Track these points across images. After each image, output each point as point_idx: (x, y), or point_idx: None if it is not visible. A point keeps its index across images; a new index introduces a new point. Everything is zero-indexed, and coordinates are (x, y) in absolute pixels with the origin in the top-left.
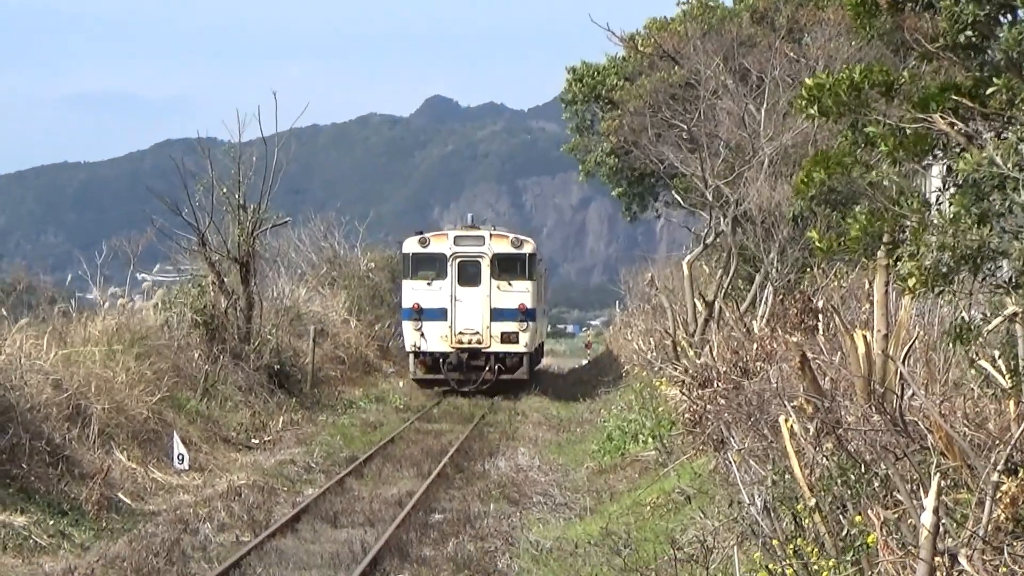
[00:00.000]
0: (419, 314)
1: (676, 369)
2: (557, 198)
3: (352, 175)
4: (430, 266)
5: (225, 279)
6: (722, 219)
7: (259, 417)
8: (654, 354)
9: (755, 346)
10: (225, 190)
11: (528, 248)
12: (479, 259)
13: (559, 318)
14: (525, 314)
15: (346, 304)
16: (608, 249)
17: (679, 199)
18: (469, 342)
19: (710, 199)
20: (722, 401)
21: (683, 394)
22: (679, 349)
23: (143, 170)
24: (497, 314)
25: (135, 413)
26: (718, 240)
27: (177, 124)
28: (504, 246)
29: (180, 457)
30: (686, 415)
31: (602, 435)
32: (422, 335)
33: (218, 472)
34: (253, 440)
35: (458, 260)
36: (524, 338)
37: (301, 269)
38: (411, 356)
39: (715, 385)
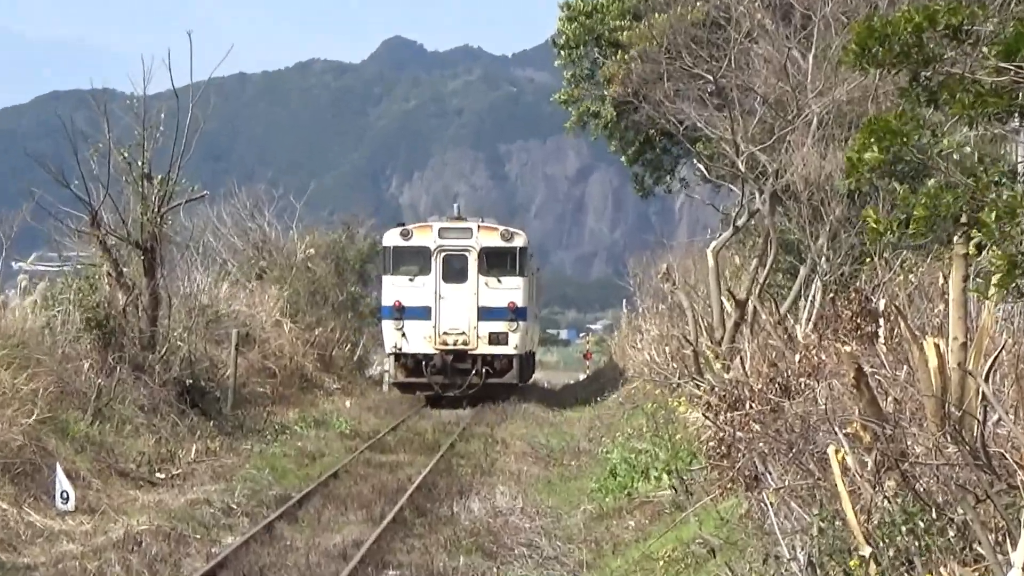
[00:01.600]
0: (400, 313)
1: (698, 386)
2: (549, 167)
3: (288, 137)
4: (413, 260)
5: (124, 269)
6: (757, 195)
7: (166, 445)
8: (670, 367)
9: (798, 357)
10: (126, 155)
11: (519, 241)
12: (466, 253)
13: (551, 320)
14: (515, 313)
15: (279, 303)
16: (613, 233)
17: (703, 170)
18: (455, 343)
19: (742, 170)
20: (756, 427)
21: (707, 418)
22: (702, 361)
23: (21, 129)
24: (485, 313)
25: (6, 439)
26: (752, 222)
27: (66, 72)
28: (493, 239)
29: (64, 496)
30: (710, 444)
31: (603, 470)
32: (403, 335)
33: (113, 515)
34: (158, 474)
35: (443, 254)
36: (514, 339)
37: (221, 257)
38: (391, 358)
39: (747, 407)
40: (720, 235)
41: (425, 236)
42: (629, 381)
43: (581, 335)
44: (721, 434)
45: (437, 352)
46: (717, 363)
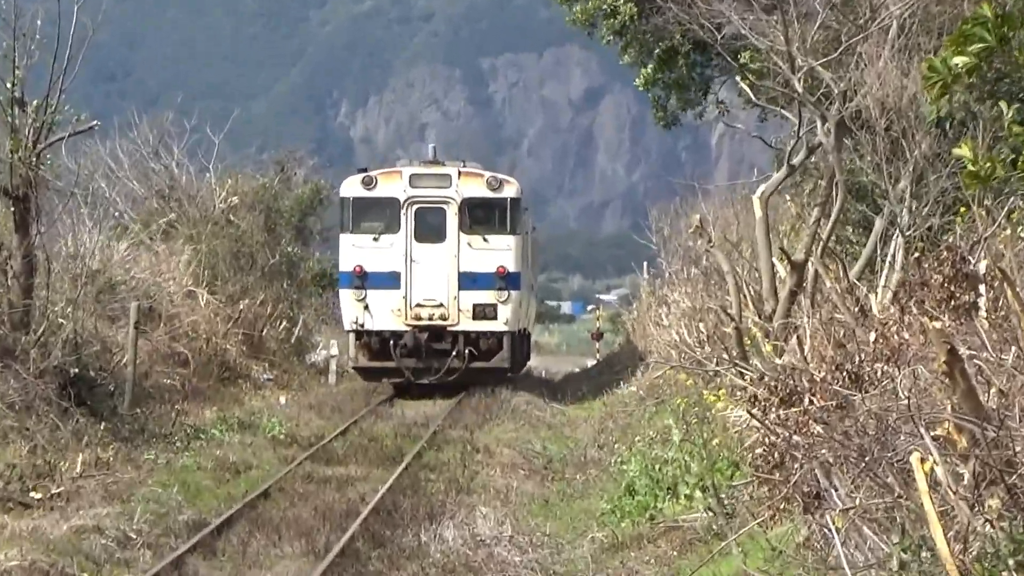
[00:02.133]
0: (362, 280)
1: (742, 375)
2: (547, 90)
3: (203, 52)
4: (377, 215)
5: None
6: (819, 124)
7: (43, 455)
8: (705, 351)
9: (873, 336)
10: None
11: (510, 191)
12: (444, 205)
13: (550, 290)
14: (506, 280)
15: (191, 268)
16: (631, 175)
17: (747, 91)
18: (430, 318)
19: (799, 91)
20: (818, 429)
21: (753, 417)
22: (747, 342)
23: None
24: (468, 280)
25: None
26: (812, 160)
27: None
28: (477, 188)
29: None
30: (758, 452)
31: (618, 486)
32: (366, 309)
33: None
34: (33, 493)
35: (415, 207)
36: (504, 312)
37: (117, 209)
38: (351, 337)
39: (807, 401)
40: (771, 177)
41: (393, 185)
42: (651, 369)
43: (589, 308)
44: (772, 438)
45: (408, 329)
46: (767, 345)
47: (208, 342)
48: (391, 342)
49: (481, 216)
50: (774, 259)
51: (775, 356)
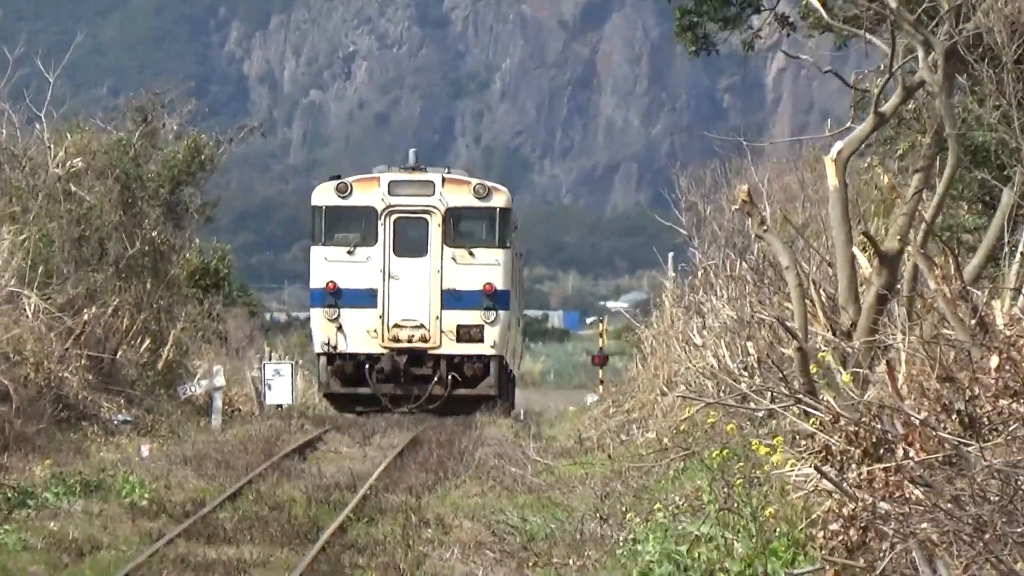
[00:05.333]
0: (336, 298)
1: (807, 416)
2: (529, 5)
3: None
4: (352, 226)
5: None
6: (921, 55)
7: None
8: (755, 381)
9: (996, 362)
10: None
11: (499, 200)
12: (426, 215)
13: (532, 293)
14: (494, 299)
15: (14, 259)
16: (650, 127)
17: (818, 6)
18: (410, 340)
19: (892, 6)
20: (918, 493)
21: (823, 476)
22: (816, 369)
23: None
24: (452, 298)
25: None
26: (911, 107)
27: None
28: (463, 196)
29: None
30: (832, 527)
31: (628, 574)
32: (339, 329)
33: None
34: None
35: (395, 217)
36: (492, 334)
37: None
38: (322, 360)
39: (900, 454)
40: (851, 131)
41: (369, 192)
42: (678, 407)
43: (590, 321)
44: (851, 506)
45: (386, 352)
46: (844, 373)
47: (38, 368)
48: (366, 366)
49: (467, 228)
50: (855, 249)
51: (855, 389)
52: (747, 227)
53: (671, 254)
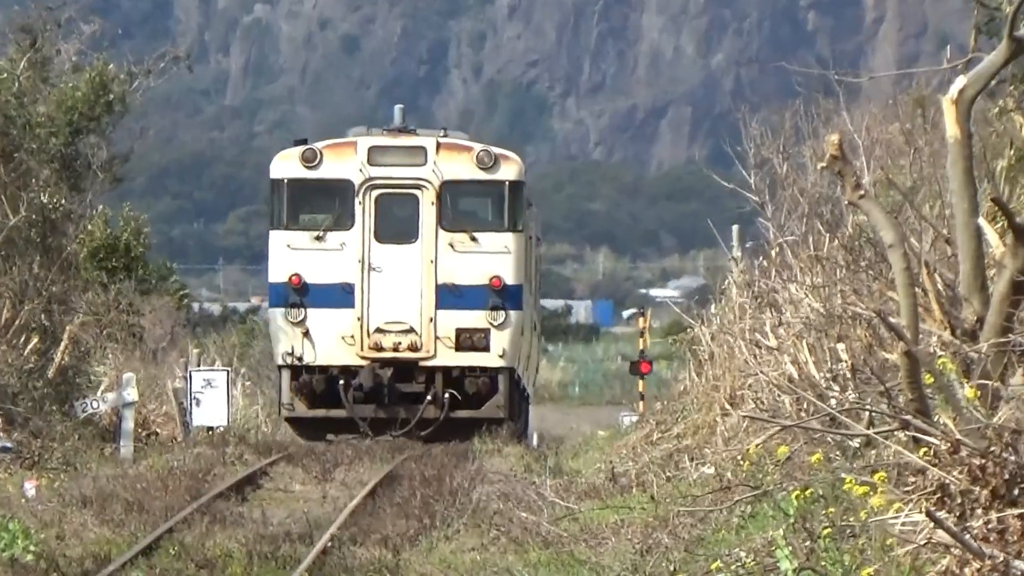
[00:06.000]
0: (301, 295)
1: (919, 444)
2: None
3: None
4: (322, 204)
5: None
6: None
7: None
8: (848, 396)
9: None
10: None
11: (509, 171)
12: (416, 191)
13: (552, 278)
14: (502, 296)
15: None
16: (709, 56)
17: None
18: (396, 348)
19: None
20: None
21: (940, 525)
22: (929, 380)
23: None
24: (450, 295)
25: None
26: None
27: None
28: (463, 166)
29: None
30: None
31: None
32: (306, 336)
33: None
34: None
35: (376, 193)
36: (500, 340)
37: None
38: (284, 374)
39: None
40: (976, 63)
41: (344, 161)
42: (745, 431)
43: (628, 315)
44: (976, 565)
45: (365, 364)
46: (968, 386)
47: None
48: (341, 382)
49: (468, 206)
50: (981, 221)
51: (982, 409)
52: (838, 191)
53: (735, 227)
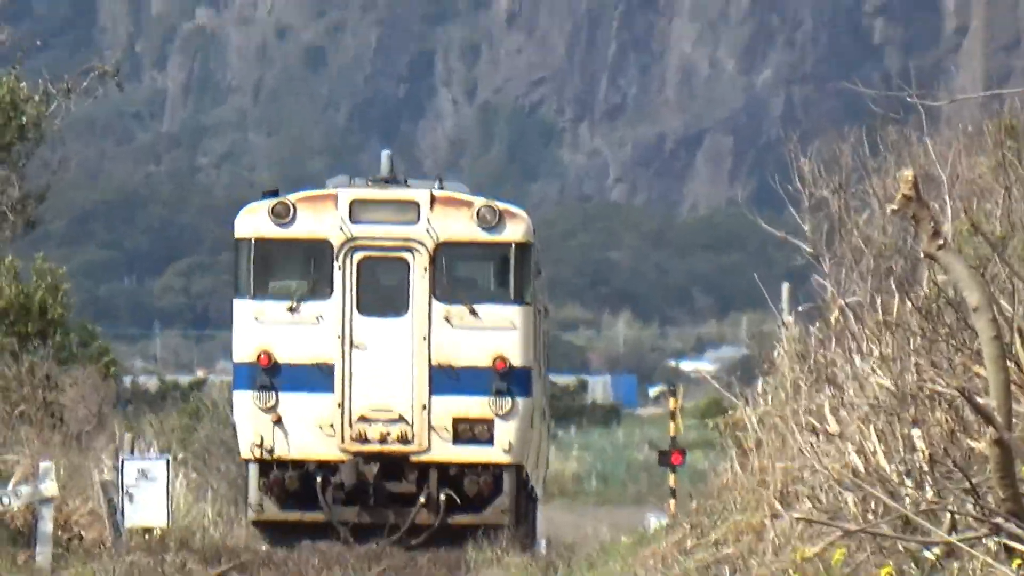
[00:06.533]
0: (272, 376)
1: (1012, 556)
2: None
3: None
4: (295, 268)
5: None
6: None
7: None
8: (926, 493)
9: None
10: None
11: (516, 230)
12: (406, 254)
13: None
14: (508, 380)
15: None
16: (753, 74)
17: None
18: (383, 440)
19: None
20: None
21: None
22: None
23: None
24: (446, 379)
25: None
26: None
27: None
28: (462, 224)
29: None
30: None
31: None
32: (278, 424)
33: None
34: None
35: (360, 256)
36: (506, 432)
37: None
38: (251, 469)
39: None
40: None
41: (322, 217)
42: (800, 535)
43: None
44: None
45: (347, 458)
46: None
47: None
48: (318, 479)
49: (468, 272)
50: None
51: None
52: (911, 241)
53: (786, 284)
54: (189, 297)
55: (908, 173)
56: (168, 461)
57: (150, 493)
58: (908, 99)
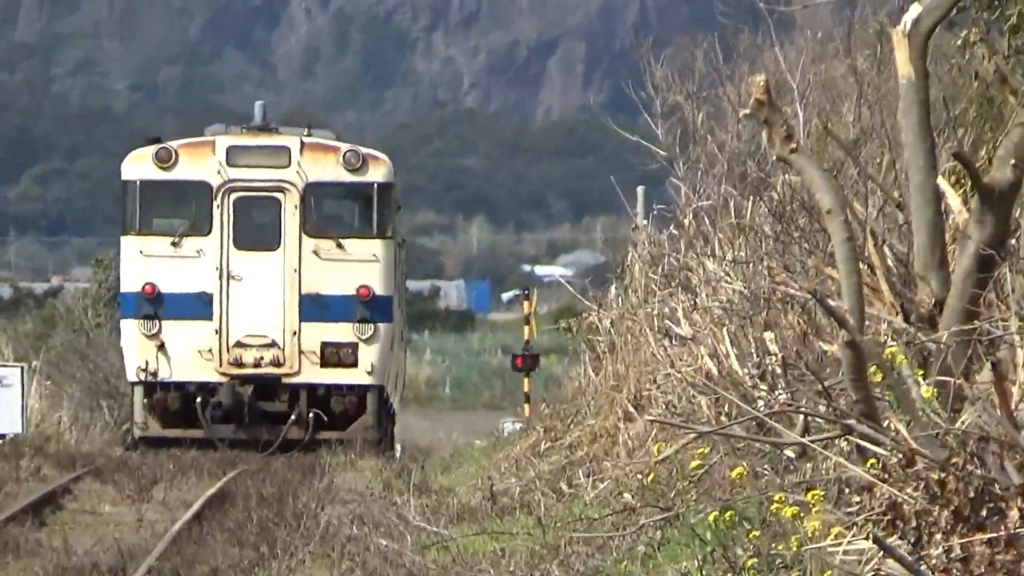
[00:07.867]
0: (155, 306)
1: (864, 455)
2: None
3: None
4: (178, 208)
5: None
6: None
7: None
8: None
9: None
10: None
11: (378, 172)
12: (278, 194)
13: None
14: (371, 307)
15: None
16: None
17: None
18: (257, 364)
19: None
20: None
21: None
22: (876, 376)
23: None
24: (315, 307)
25: None
26: None
27: None
28: (329, 167)
29: None
30: None
31: None
32: (161, 349)
33: None
34: None
35: (236, 196)
36: (369, 355)
37: None
38: (136, 391)
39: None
40: None
41: (201, 162)
42: (653, 439)
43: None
44: None
45: (225, 380)
46: (924, 385)
47: None
48: (198, 400)
49: (334, 210)
50: (941, 181)
51: (942, 411)
52: (764, 145)
53: (641, 188)
54: (45, 204)
55: (759, 78)
56: (23, 368)
57: (4, 400)
58: (760, 4)
